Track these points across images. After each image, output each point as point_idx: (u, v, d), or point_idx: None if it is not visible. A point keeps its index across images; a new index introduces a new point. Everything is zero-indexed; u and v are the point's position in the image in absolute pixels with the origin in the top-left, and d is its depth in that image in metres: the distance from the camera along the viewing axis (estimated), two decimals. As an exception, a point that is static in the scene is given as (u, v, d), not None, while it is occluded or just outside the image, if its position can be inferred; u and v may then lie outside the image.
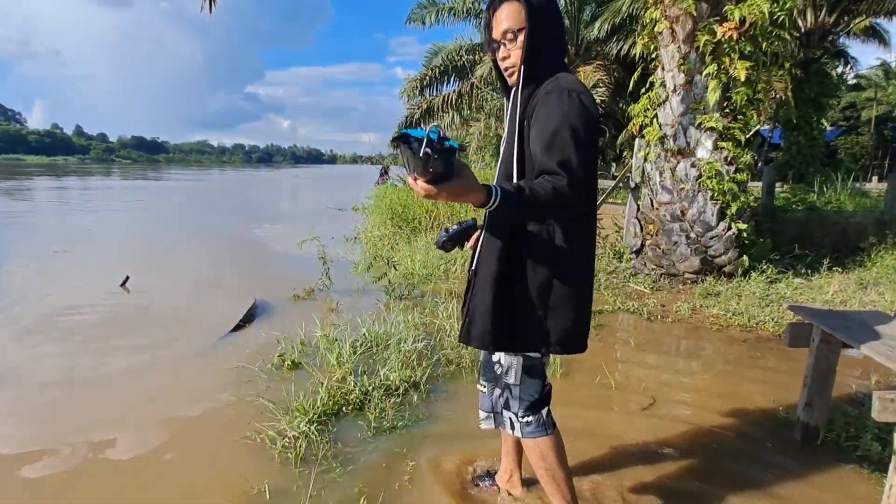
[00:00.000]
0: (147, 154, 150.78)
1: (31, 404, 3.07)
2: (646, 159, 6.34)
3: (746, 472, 2.41)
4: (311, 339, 3.82)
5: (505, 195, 1.34)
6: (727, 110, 5.74)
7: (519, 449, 2.07)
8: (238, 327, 4.33)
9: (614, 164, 12.04)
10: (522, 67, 1.59)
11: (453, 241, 1.84)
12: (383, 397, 2.96)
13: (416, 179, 1.26)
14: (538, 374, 1.72)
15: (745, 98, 5.54)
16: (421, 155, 1.19)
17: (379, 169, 18.49)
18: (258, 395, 2.96)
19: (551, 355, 1.92)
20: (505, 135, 1.72)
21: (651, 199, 6.18)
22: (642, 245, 6.25)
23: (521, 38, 1.59)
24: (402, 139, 1.21)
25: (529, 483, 2.15)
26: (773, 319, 4.52)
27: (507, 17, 1.58)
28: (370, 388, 3.05)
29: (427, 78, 16.35)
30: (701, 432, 2.76)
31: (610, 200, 7.13)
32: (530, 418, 1.72)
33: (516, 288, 1.60)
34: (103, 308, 5.02)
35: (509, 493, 2.12)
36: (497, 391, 1.75)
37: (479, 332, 1.63)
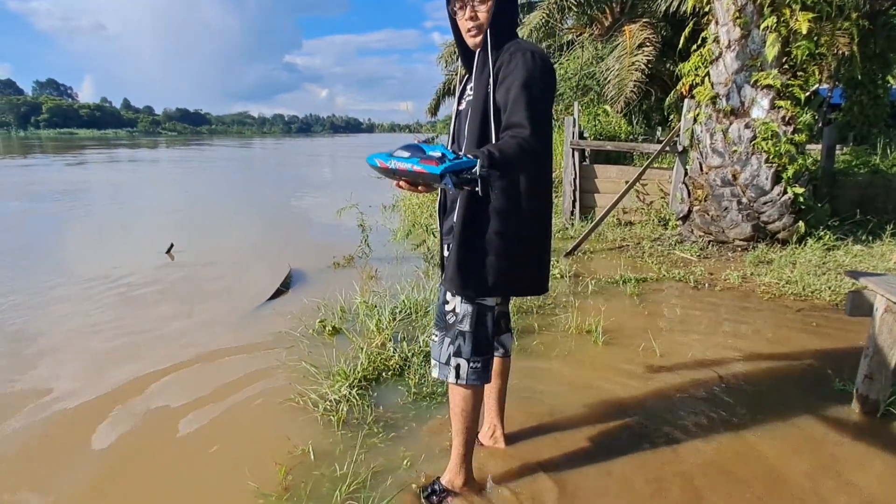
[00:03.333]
0: (191, 126, 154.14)
1: (95, 365, 3.21)
2: (695, 121, 6.03)
3: (801, 444, 2.31)
4: (350, 306, 3.85)
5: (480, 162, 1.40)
6: (786, 66, 5.37)
7: (500, 406, 2.24)
8: (277, 294, 4.40)
9: (660, 128, 11.54)
10: (491, 31, 1.67)
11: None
12: (423, 363, 2.96)
13: (411, 185, 1.38)
14: (490, 322, 1.84)
15: (807, 53, 5.16)
16: (458, 187, 1.30)
17: (418, 138, 18.34)
18: (300, 360, 3.00)
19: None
20: (467, 102, 1.77)
21: (700, 162, 5.90)
22: (689, 211, 6.01)
23: (489, 1, 1.66)
24: (449, 171, 1.26)
25: (513, 439, 2.29)
26: (829, 288, 4.29)
27: None
28: (409, 355, 3.06)
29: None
30: (752, 404, 2.65)
31: (655, 165, 6.85)
32: (478, 364, 1.83)
33: (483, 237, 1.71)
34: (151, 275, 5.18)
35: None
36: (448, 340, 1.83)
37: (450, 276, 1.76)
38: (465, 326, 1.81)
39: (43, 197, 11.28)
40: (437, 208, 1.97)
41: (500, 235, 1.71)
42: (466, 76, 1.86)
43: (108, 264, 5.50)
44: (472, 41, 1.74)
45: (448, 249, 1.84)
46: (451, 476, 1.94)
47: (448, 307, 1.83)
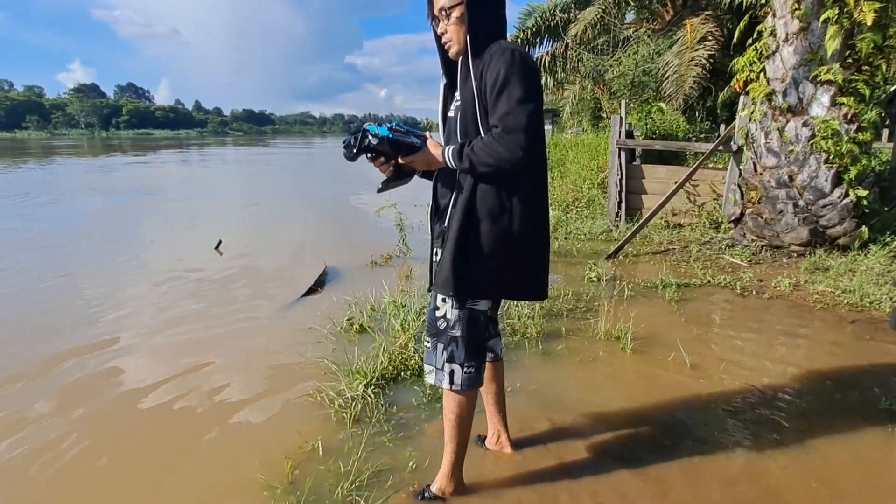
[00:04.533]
0: (256, 126, 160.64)
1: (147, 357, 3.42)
2: (750, 119, 5.73)
3: (834, 466, 2.15)
4: (380, 305, 3.90)
5: (451, 153, 1.70)
6: (849, 61, 5.01)
7: (501, 410, 2.21)
8: (311, 291, 4.52)
9: (724, 126, 11.03)
10: (468, 40, 1.68)
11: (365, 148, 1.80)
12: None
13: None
14: (482, 326, 1.85)
15: (872, 45, 4.79)
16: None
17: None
18: (323, 357, 3.07)
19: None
20: (455, 108, 1.81)
21: (754, 163, 5.60)
22: (742, 214, 5.72)
23: (454, 14, 1.69)
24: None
25: (523, 444, 2.26)
26: (891, 298, 3.98)
27: None
28: (431, 355, 3.06)
29: (519, 40, 15.76)
30: (792, 422, 2.49)
31: (709, 165, 6.56)
32: (472, 369, 1.82)
33: (475, 239, 1.72)
34: (199, 269, 5.44)
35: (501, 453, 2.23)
36: (440, 345, 1.83)
37: (443, 280, 1.75)
38: (457, 332, 1.81)
39: (120, 193, 12.07)
40: (428, 213, 1.98)
41: (491, 237, 1.71)
42: (449, 85, 1.89)
43: (163, 257, 5.84)
44: (451, 52, 1.77)
45: (438, 255, 1.84)
46: (441, 483, 1.94)
47: (439, 313, 1.83)
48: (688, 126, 10.06)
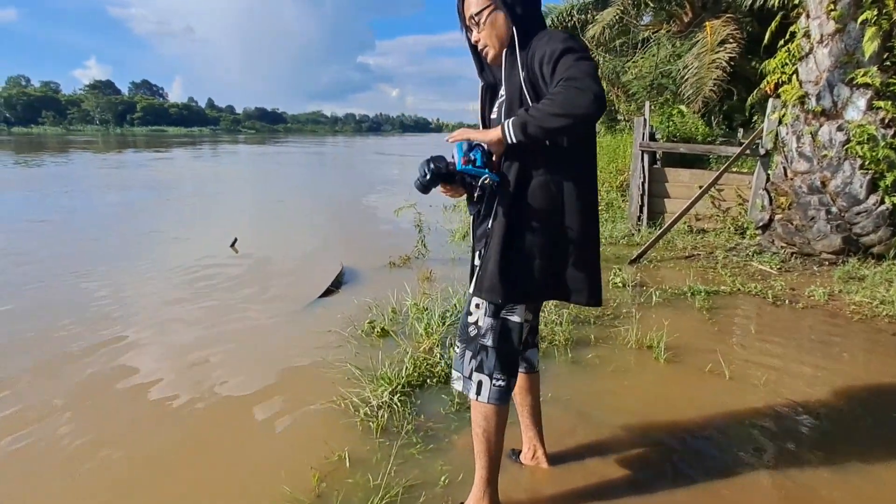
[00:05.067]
0: (268, 124, 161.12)
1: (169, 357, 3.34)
2: (780, 122, 5.57)
3: (870, 490, 2.02)
4: (402, 308, 3.80)
5: (510, 123, 1.50)
6: (887, 63, 4.84)
7: (537, 423, 2.10)
8: (328, 293, 4.42)
9: (741, 130, 10.81)
10: (514, 31, 1.60)
11: (437, 176, 1.65)
12: (470, 372, 2.85)
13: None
14: (515, 338, 1.72)
15: (914, 47, 4.63)
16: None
17: None
18: (346, 361, 2.96)
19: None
20: (499, 106, 1.71)
21: (785, 167, 5.44)
22: (771, 220, 5.56)
23: (485, 18, 1.62)
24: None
25: (558, 459, 2.14)
26: (934, 311, 3.82)
27: (473, 2, 1.64)
28: (457, 362, 2.95)
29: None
30: (827, 439, 2.36)
31: (734, 170, 6.38)
32: (502, 382, 1.71)
33: (524, 238, 1.62)
34: (217, 267, 5.36)
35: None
36: (469, 353, 1.74)
37: (489, 286, 1.63)
38: (488, 341, 1.70)
39: (135, 189, 12.09)
40: (470, 216, 1.87)
41: (543, 236, 1.61)
42: (488, 89, 1.81)
43: (179, 254, 5.78)
44: (490, 57, 1.70)
45: (479, 257, 1.73)
46: (474, 501, 1.82)
47: (471, 318, 1.73)
48: (706, 129, 9.89)
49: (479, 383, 1.72)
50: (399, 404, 2.51)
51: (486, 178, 1.57)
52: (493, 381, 1.71)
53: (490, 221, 1.67)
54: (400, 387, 2.65)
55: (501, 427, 1.77)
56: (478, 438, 1.77)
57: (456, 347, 1.81)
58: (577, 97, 1.38)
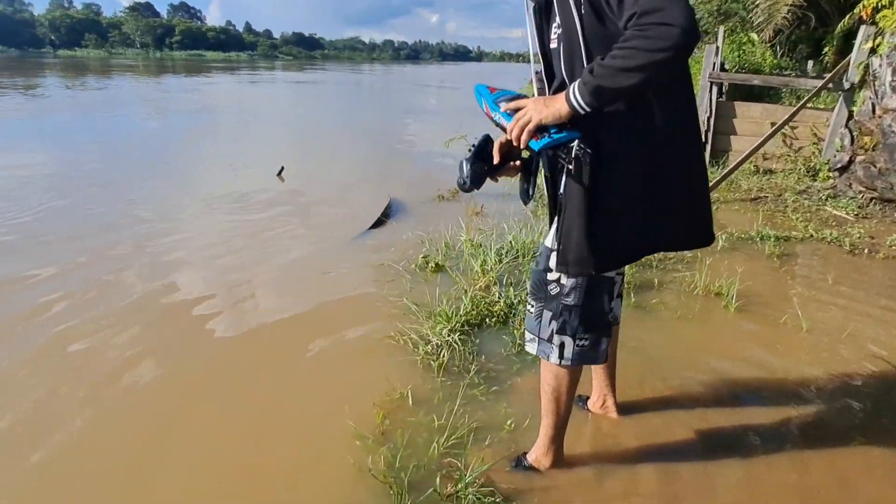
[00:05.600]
0: (306, 51, 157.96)
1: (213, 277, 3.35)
2: (873, 52, 5.01)
3: None
4: (455, 243, 3.69)
5: (576, 90, 1.23)
6: None
7: (611, 374, 1.98)
8: (377, 224, 4.33)
9: (810, 62, 9.93)
10: None
11: (480, 174, 1.49)
12: (530, 312, 2.74)
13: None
14: (605, 292, 1.55)
15: None
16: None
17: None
18: (402, 295, 2.89)
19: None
20: (557, 36, 1.38)
21: (874, 103, 4.93)
22: (850, 161, 5.12)
23: None
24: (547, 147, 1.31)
25: (625, 409, 2.03)
26: None
27: None
28: (515, 301, 2.85)
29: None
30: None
31: (810, 105, 5.87)
32: (586, 342, 1.54)
33: (609, 190, 1.36)
34: (263, 196, 5.32)
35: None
36: (548, 314, 1.54)
37: (576, 258, 1.41)
38: (572, 300, 1.50)
39: (179, 114, 12.14)
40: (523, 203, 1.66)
41: (627, 187, 1.37)
42: (540, 12, 1.45)
43: (229, 183, 5.76)
44: None
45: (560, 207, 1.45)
46: (538, 455, 1.74)
47: (551, 276, 1.51)
48: (773, 60, 9.08)
49: (562, 345, 1.55)
50: (459, 343, 2.44)
51: (574, 142, 1.28)
52: (577, 342, 1.54)
53: (561, 184, 1.41)
54: (458, 325, 2.57)
55: (573, 388, 1.65)
56: (546, 397, 1.65)
57: (529, 306, 1.61)
58: (659, 38, 1.11)
